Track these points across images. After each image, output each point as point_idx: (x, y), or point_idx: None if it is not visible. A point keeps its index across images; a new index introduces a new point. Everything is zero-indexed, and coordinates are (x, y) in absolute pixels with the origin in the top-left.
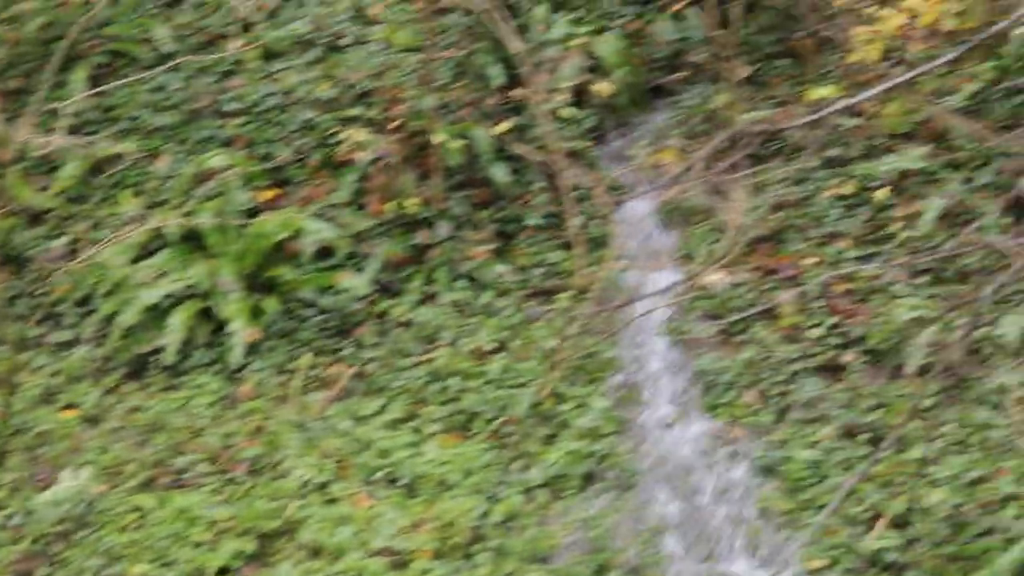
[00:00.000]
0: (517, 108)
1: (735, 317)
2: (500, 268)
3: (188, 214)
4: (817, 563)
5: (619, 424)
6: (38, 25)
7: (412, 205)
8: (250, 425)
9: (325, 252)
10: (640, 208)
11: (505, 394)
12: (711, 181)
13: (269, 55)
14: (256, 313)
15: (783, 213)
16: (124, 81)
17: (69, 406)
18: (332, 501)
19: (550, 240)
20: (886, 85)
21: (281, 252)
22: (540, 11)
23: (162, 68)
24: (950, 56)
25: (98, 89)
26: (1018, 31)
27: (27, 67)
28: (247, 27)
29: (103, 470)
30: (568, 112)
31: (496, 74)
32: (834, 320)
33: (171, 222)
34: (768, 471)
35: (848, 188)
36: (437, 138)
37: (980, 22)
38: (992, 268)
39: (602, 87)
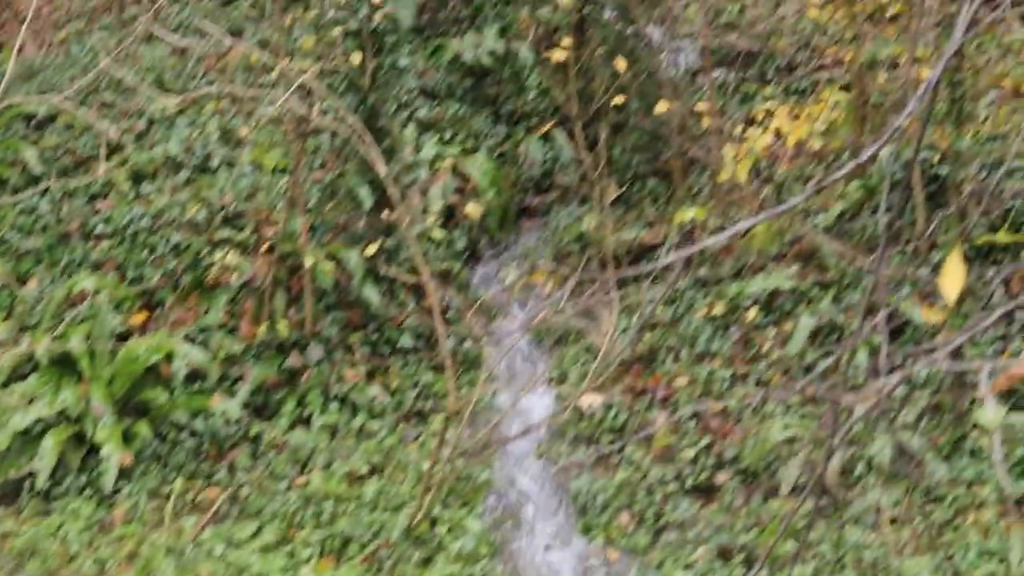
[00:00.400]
0: (388, 230)
1: (609, 439)
2: (373, 391)
3: (59, 338)
4: None
5: (495, 547)
6: None
7: (284, 328)
8: (124, 550)
9: (197, 375)
10: (512, 329)
11: (380, 517)
12: (582, 302)
13: (139, 177)
14: (128, 437)
15: (654, 333)
16: None
17: None
18: None
19: (423, 362)
20: (765, 215)
21: (153, 376)
22: (409, 132)
23: (31, 191)
24: (825, 182)
25: None
26: (885, 152)
27: None
28: (116, 149)
29: None
30: (439, 234)
31: (366, 196)
32: (707, 441)
33: (42, 346)
34: None
35: (719, 308)
36: (308, 261)
37: (846, 141)
38: (863, 387)
39: (472, 209)
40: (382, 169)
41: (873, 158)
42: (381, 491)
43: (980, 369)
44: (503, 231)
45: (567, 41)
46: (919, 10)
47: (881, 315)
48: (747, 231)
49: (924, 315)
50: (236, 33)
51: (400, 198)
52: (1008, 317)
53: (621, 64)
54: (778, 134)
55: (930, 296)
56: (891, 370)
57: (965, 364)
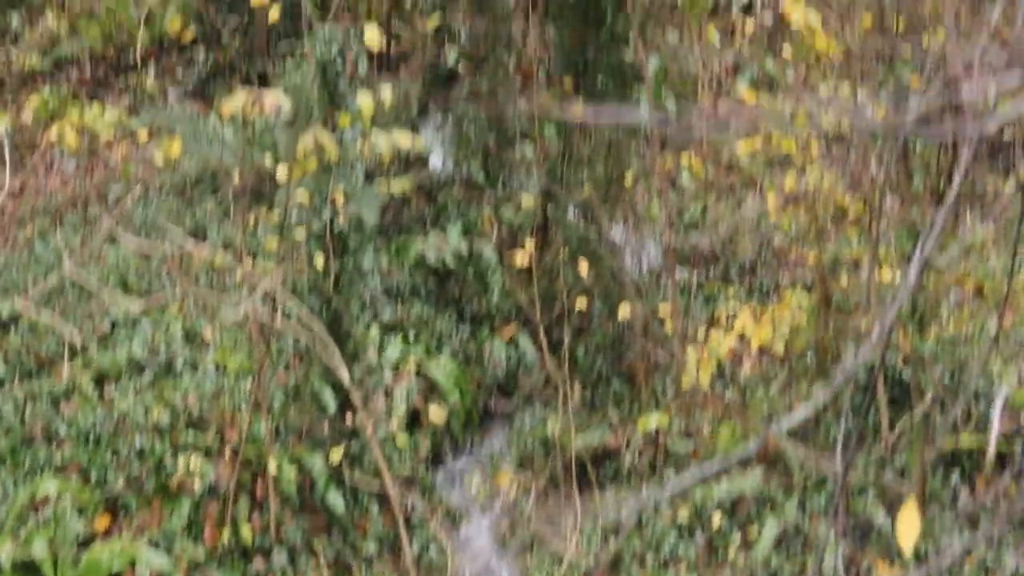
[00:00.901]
0: (352, 433)
1: None
2: None
3: (22, 543)
4: None
5: None
6: None
7: (248, 533)
8: None
9: None
10: (477, 534)
11: None
12: (547, 508)
13: (102, 379)
14: None
15: (620, 539)
16: None
17: None
18: None
19: (388, 568)
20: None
21: None
22: (373, 333)
23: None
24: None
25: None
26: (848, 355)
27: None
28: (80, 351)
29: None
30: (403, 438)
31: (330, 399)
32: None
33: (5, 550)
34: None
35: (684, 513)
36: (272, 465)
37: (809, 342)
38: None
39: (436, 412)
40: (344, 375)
41: (837, 359)
42: None
43: None
44: (468, 433)
45: (530, 243)
46: (879, 213)
47: (842, 518)
48: (711, 434)
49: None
50: (200, 232)
51: (364, 402)
52: (969, 522)
53: (584, 267)
54: (742, 336)
55: (896, 503)
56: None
57: None
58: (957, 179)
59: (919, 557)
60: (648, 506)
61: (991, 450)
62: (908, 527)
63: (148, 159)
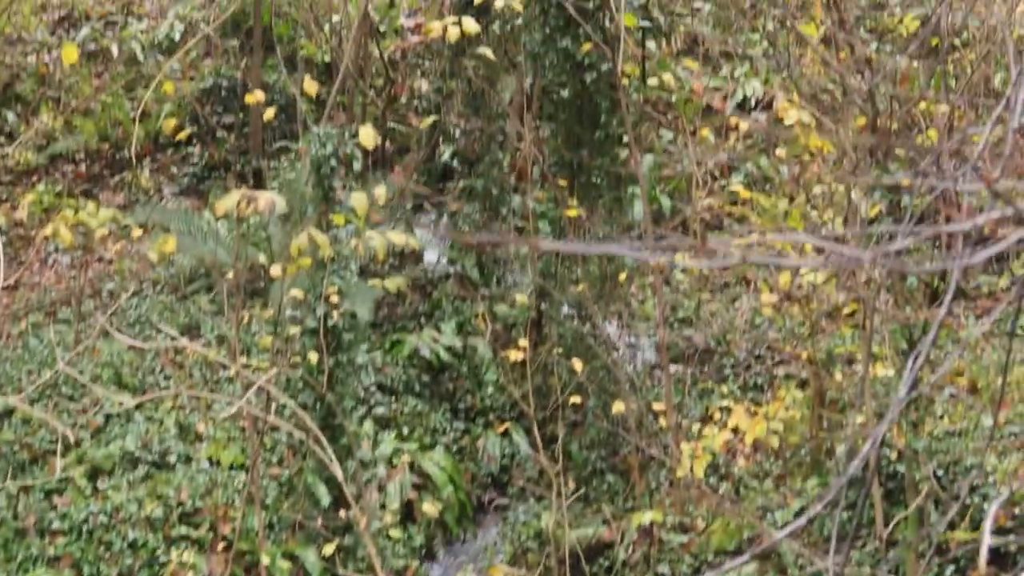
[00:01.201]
0: (346, 527)
1: None
2: None
3: None
4: None
5: None
6: None
7: None
8: None
9: None
10: None
11: None
12: None
13: (96, 473)
14: None
15: None
16: None
17: None
18: None
19: None
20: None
21: None
22: (367, 427)
23: None
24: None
25: None
26: (840, 450)
27: None
28: (74, 444)
29: None
30: (397, 532)
31: (324, 493)
32: None
33: None
34: None
35: None
36: (265, 559)
37: (803, 437)
38: None
39: (430, 506)
40: (338, 471)
41: (830, 451)
42: None
43: None
44: (461, 527)
45: (524, 340)
46: (872, 310)
47: None
48: (705, 528)
49: None
50: (193, 328)
51: (357, 496)
52: None
53: (578, 364)
54: (736, 431)
55: None
56: None
57: None
58: (953, 280)
59: None
60: None
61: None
62: None
63: (142, 255)
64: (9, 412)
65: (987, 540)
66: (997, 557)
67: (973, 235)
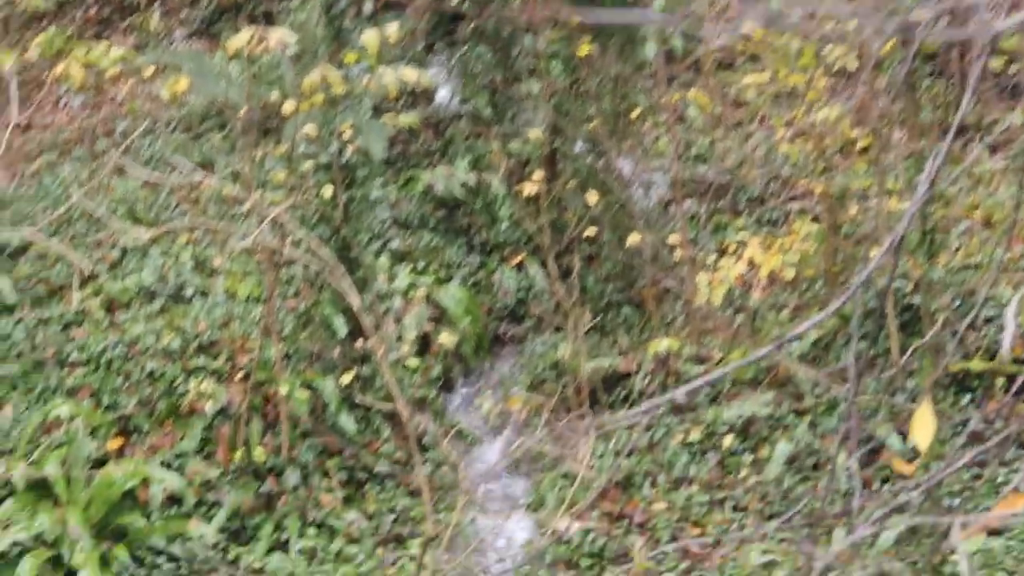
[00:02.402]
0: (363, 358)
1: (587, 564)
2: (350, 516)
3: (34, 463)
4: None
5: None
6: None
7: (260, 454)
8: None
9: (174, 500)
10: (489, 455)
11: None
12: (558, 429)
13: (113, 306)
14: (106, 561)
15: (631, 459)
16: None
17: None
18: None
19: (399, 488)
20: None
21: (129, 501)
22: (382, 261)
23: (7, 320)
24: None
25: None
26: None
27: None
28: (91, 278)
29: None
30: (413, 362)
31: (340, 325)
32: (686, 565)
33: (18, 471)
34: None
35: (696, 434)
36: (283, 388)
37: (818, 270)
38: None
39: (446, 337)
40: (355, 300)
41: (845, 286)
42: None
43: (952, 521)
44: (478, 359)
45: (538, 174)
46: (887, 144)
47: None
48: (721, 359)
49: (897, 466)
50: (207, 165)
51: (374, 327)
52: (979, 441)
53: (592, 197)
54: (751, 264)
55: (906, 424)
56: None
57: (936, 517)
58: (966, 99)
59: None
60: (657, 413)
61: (1005, 350)
62: (923, 426)
63: (154, 96)
64: (24, 248)
65: (1011, 328)
66: (1011, 383)
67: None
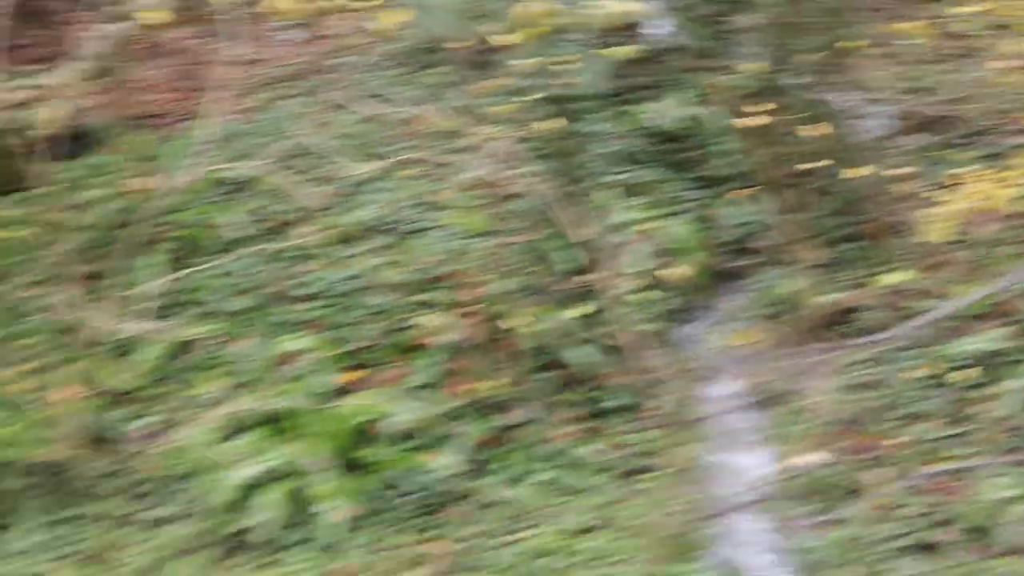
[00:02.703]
0: (590, 292)
1: (827, 498)
2: (587, 449)
3: (270, 396)
4: None
5: None
6: (111, 212)
7: (493, 387)
8: None
9: (408, 434)
10: (721, 390)
11: (601, 574)
12: (791, 363)
13: (341, 240)
14: (345, 493)
15: (863, 394)
16: (199, 267)
17: None
18: None
19: (634, 422)
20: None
21: (365, 434)
22: (605, 196)
23: (235, 254)
24: None
25: (174, 275)
26: None
27: (99, 252)
28: (318, 213)
29: None
30: (640, 296)
31: (568, 259)
32: (926, 499)
33: (256, 404)
34: None
35: (927, 369)
36: (513, 322)
37: None
38: None
39: (672, 272)
40: (580, 233)
41: None
42: (601, 548)
43: None
44: (704, 294)
45: (761, 107)
46: None
47: None
48: (949, 293)
49: None
50: (427, 100)
51: (600, 262)
52: None
53: (814, 130)
54: (975, 198)
55: None
56: None
57: None
58: None
59: None
60: (886, 347)
61: None
62: None
63: (371, 30)
64: (251, 181)
65: None
66: None
67: None
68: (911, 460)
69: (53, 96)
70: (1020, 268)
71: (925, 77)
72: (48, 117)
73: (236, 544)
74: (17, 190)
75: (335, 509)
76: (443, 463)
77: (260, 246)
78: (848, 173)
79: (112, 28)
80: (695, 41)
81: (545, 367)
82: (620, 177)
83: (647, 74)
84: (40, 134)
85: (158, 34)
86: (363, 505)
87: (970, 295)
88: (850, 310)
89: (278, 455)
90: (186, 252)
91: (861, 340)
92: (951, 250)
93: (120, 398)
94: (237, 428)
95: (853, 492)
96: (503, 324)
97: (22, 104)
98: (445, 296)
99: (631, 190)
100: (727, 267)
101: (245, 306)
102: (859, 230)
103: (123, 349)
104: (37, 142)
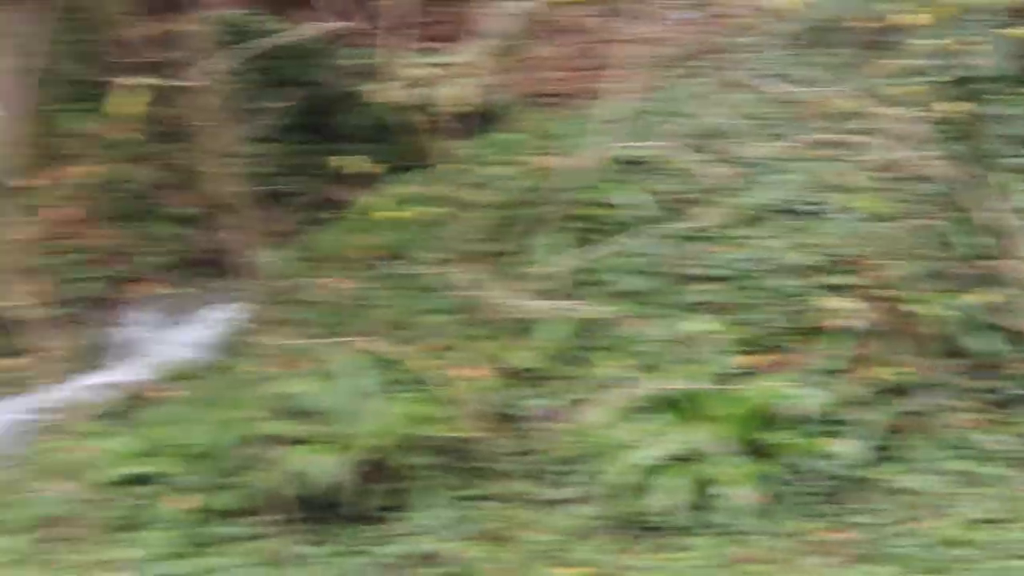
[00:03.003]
0: (996, 277)
1: None
2: (990, 438)
3: (672, 378)
4: None
5: None
6: (512, 190)
7: (896, 374)
8: None
9: (810, 418)
10: None
11: (1010, 567)
12: None
13: (744, 221)
14: (747, 478)
15: None
16: (605, 248)
17: (563, 564)
18: None
19: None
20: None
21: (767, 417)
22: (1008, 179)
23: (635, 233)
24: None
25: (577, 255)
26: None
27: (501, 231)
28: (720, 193)
29: None
30: None
31: (971, 243)
32: None
33: (657, 386)
34: None
35: None
36: (917, 308)
37: None
38: None
39: None
40: (984, 217)
41: None
42: (1010, 540)
43: None
44: None
45: None
46: None
47: None
48: None
49: None
50: (827, 80)
51: (1004, 246)
52: None
53: None
54: None
55: None
56: None
57: None
58: None
59: None
60: None
61: None
62: None
63: (767, 8)
64: (652, 161)
65: None
66: None
67: None
68: None
69: (459, 74)
70: None
71: None
72: (454, 95)
73: (638, 527)
74: (419, 167)
75: (739, 494)
76: (847, 449)
77: (660, 226)
78: None
79: (517, 6)
80: None
81: (948, 354)
82: (1022, 160)
83: None
84: (446, 111)
85: (558, 12)
86: (764, 491)
87: None
88: None
89: (680, 437)
90: (586, 231)
91: None
92: None
93: (522, 377)
94: (638, 409)
95: None
96: (907, 309)
97: (427, 81)
98: (848, 280)
99: None
100: None
101: (646, 287)
102: None
103: (525, 328)
104: (442, 119)
